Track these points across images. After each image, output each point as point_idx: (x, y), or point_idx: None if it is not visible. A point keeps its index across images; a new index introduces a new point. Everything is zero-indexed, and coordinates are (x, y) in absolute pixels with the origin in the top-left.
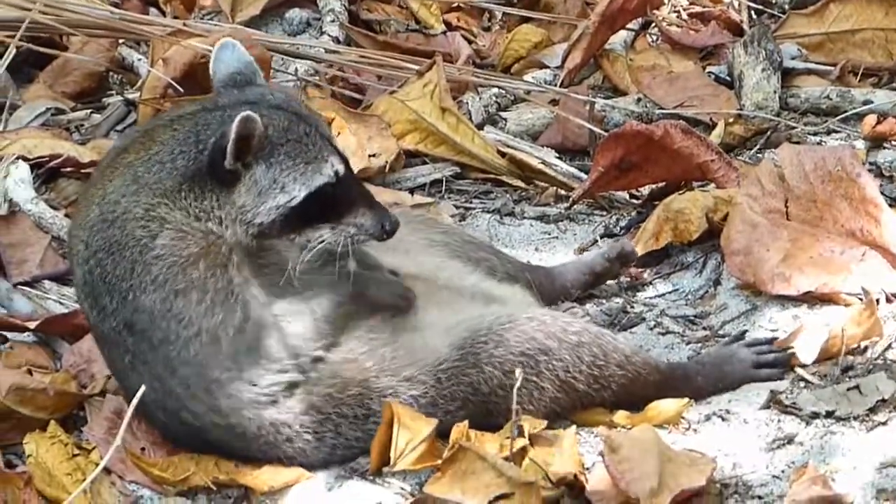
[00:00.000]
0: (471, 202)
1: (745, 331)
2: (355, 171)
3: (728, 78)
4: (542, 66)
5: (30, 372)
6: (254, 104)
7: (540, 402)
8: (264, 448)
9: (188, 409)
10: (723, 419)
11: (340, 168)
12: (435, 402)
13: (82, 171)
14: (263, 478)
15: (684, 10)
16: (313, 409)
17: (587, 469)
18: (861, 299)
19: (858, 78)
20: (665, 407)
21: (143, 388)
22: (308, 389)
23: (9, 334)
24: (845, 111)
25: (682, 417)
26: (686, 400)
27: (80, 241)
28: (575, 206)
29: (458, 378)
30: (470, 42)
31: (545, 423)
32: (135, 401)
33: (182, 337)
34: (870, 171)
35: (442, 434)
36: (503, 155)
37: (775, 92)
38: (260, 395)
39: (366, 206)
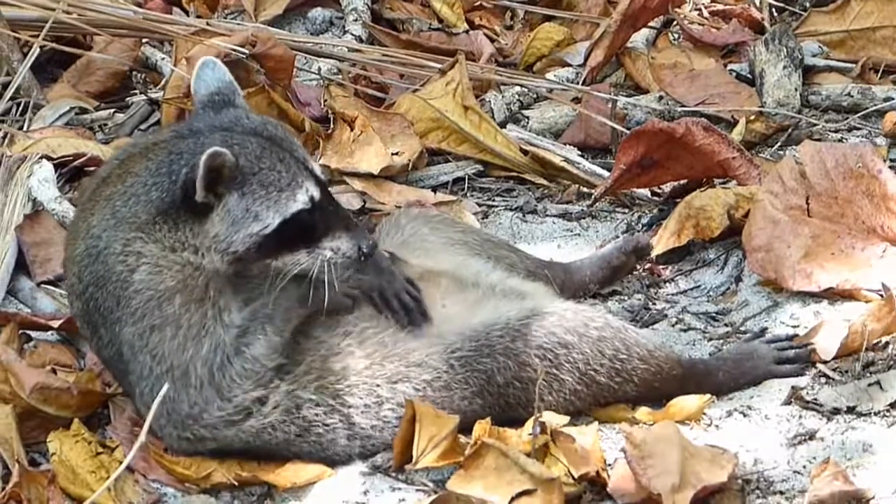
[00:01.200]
0: (493, 200)
1: (766, 328)
2: (378, 170)
3: (749, 75)
4: (565, 65)
5: (54, 371)
6: (227, 130)
7: (560, 394)
8: (275, 448)
9: (179, 438)
10: (744, 415)
11: (316, 193)
12: (449, 387)
13: None
14: (286, 475)
15: (706, 7)
16: (309, 403)
17: (609, 465)
18: (882, 295)
19: (879, 75)
20: (687, 403)
21: (163, 391)
22: (286, 391)
23: (33, 333)
24: (866, 108)
25: (704, 413)
26: (708, 396)
27: (73, 275)
28: (597, 204)
29: (472, 366)
30: (492, 40)
31: (567, 419)
32: (151, 413)
33: (154, 373)
34: (891, 167)
35: (464, 429)
36: (525, 153)
37: (796, 89)
38: (233, 416)
39: (343, 229)
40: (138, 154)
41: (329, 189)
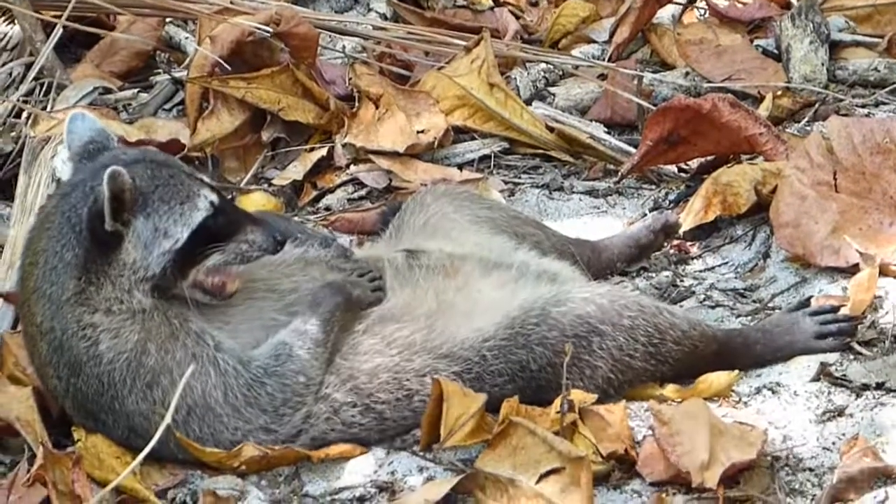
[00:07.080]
0: (519, 177)
1: (810, 297)
2: (403, 148)
3: (776, 51)
4: (590, 41)
5: None
6: (110, 166)
7: (592, 380)
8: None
9: None
10: (773, 392)
11: (214, 198)
12: (481, 378)
13: None
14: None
15: None
16: (346, 406)
17: (637, 443)
18: None
19: None
20: (715, 380)
21: (161, 426)
22: (327, 403)
23: None
24: (893, 83)
25: (733, 390)
26: (736, 372)
27: (51, 378)
28: (624, 181)
29: (506, 357)
30: (517, 17)
31: (595, 397)
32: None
33: (179, 422)
34: None
35: (491, 408)
36: (551, 130)
37: (823, 64)
38: (284, 439)
39: (252, 224)
40: (36, 235)
41: (226, 195)
